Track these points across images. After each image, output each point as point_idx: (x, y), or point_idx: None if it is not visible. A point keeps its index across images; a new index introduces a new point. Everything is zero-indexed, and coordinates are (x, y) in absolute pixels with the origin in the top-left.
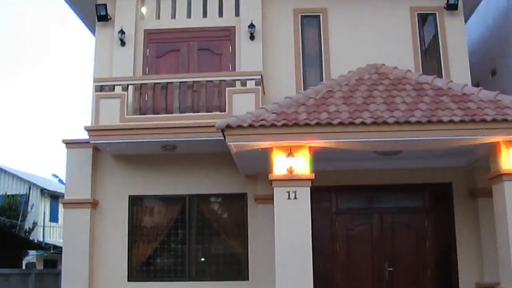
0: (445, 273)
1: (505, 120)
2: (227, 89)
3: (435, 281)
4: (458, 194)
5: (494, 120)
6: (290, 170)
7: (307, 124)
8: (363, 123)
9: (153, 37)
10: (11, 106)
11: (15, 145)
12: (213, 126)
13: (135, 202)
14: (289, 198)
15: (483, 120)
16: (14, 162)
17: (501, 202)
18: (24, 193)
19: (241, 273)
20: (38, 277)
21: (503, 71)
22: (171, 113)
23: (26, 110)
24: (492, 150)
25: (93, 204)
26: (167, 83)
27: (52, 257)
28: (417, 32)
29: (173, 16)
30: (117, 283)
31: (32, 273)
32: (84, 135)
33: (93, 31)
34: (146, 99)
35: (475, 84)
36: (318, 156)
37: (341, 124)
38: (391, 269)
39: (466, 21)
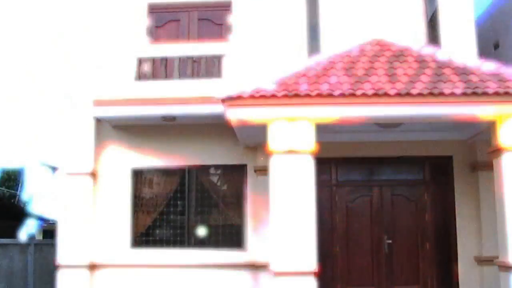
0: (444, 246)
1: (507, 94)
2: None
3: (434, 254)
4: (459, 167)
5: (496, 93)
6: (291, 141)
7: (308, 95)
8: (364, 95)
9: (153, 7)
10: (10, 78)
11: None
12: (213, 97)
13: (135, 173)
14: (289, 169)
15: (485, 93)
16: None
17: (501, 175)
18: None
19: (240, 244)
20: (38, 248)
21: (506, 44)
22: (171, 84)
23: (25, 77)
24: (493, 124)
25: (93, 175)
26: (167, 54)
27: (52, 227)
28: (421, 3)
29: None
30: (117, 253)
31: (32, 243)
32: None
33: None
34: (145, 69)
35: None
36: (318, 128)
37: (342, 95)
38: (390, 241)
39: None
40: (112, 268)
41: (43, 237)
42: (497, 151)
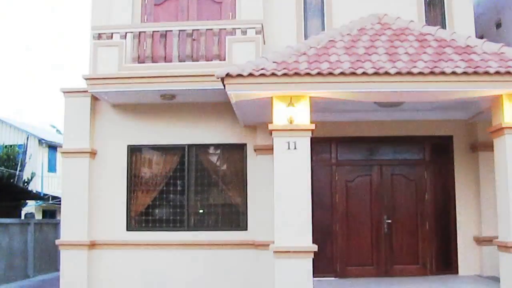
0: (444, 226)
1: (508, 73)
2: (227, 37)
3: (434, 234)
4: (459, 147)
5: (497, 73)
6: (290, 120)
7: (308, 74)
8: (364, 74)
9: None
10: (9, 55)
11: (13, 96)
12: (213, 75)
13: (134, 151)
14: (289, 148)
15: (486, 73)
16: (12, 113)
17: (502, 155)
18: (22, 143)
19: (240, 223)
20: (37, 227)
21: (508, 23)
22: (170, 61)
23: (24, 59)
24: (494, 103)
25: (92, 154)
26: (166, 31)
27: (51, 207)
28: None
29: None
30: (116, 232)
31: (31, 223)
32: (83, 84)
33: None
34: (144, 47)
35: (479, 36)
36: (318, 107)
37: (342, 74)
38: (389, 221)
39: None
40: (111, 246)
41: (43, 217)
42: (498, 131)
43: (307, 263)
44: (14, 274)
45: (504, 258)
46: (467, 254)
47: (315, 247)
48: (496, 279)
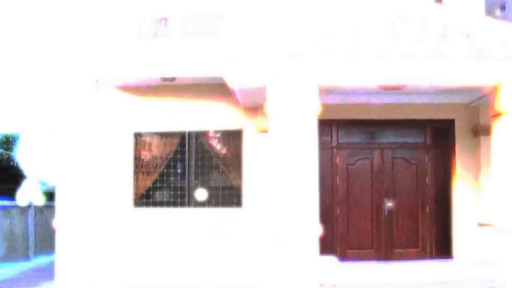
0: (444, 209)
1: None
2: None
3: (434, 217)
4: (460, 131)
5: (501, 57)
6: (293, 103)
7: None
8: (367, 56)
9: None
10: (6, 40)
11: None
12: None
13: (136, 134)
14: (290, 130)
15: (490, 57)
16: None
17: (502, 139)
18: None
19: (240, 205)
20: (38, 209)
21: None
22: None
23: (22, 44)
24: (496, 87)
25: (94, 137)
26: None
27: (51, 190)
28: None
29: None
30: (115, 214)
31: (32, 205)
32: (85, 66)
33: None
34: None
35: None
36: (319, 89)
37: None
38: (390, 204)
39: None
40: (110, 228)
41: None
42: (500, 115)
43: (312, 246)
44: (15, 256)
45: (504, 243)
46: (467, 238)
47: (319, 231)
48: (496, 264)
